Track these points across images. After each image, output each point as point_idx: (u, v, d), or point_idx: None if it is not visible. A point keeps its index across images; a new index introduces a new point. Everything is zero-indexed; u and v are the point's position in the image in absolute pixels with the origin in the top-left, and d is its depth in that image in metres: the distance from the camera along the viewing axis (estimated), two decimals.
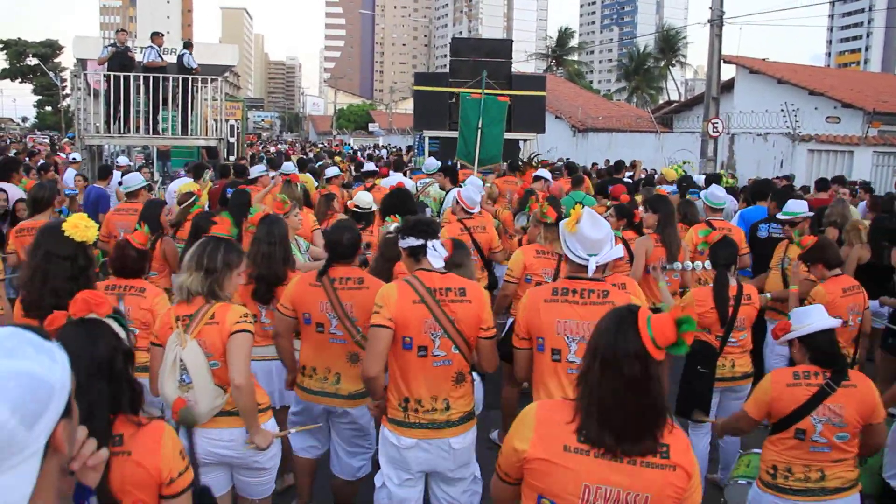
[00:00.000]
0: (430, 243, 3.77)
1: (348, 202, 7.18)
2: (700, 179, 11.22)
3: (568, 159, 18.92)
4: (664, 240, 6.09)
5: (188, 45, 15.64)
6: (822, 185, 12.00)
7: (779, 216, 6.88)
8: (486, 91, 13.30)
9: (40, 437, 1.27)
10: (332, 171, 11.28)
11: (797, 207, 6.55)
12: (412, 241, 3.78)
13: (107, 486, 2.12)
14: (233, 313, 3.53)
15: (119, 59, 14.35)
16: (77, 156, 13.91)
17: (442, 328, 3.67)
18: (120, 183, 9.18)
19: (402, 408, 3.71)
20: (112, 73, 14.24)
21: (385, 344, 3.63)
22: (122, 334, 2.36)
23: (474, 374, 3.98)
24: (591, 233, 3.51)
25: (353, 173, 14.33)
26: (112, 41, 14.86)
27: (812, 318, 3.62)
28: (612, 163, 16.87)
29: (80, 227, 3.68)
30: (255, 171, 10.16)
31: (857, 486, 3.62)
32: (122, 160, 14.91)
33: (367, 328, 3.79)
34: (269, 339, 4.61)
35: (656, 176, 13.76)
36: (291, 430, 4.29)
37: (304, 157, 22.57)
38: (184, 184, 9.13)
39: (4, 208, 7.49)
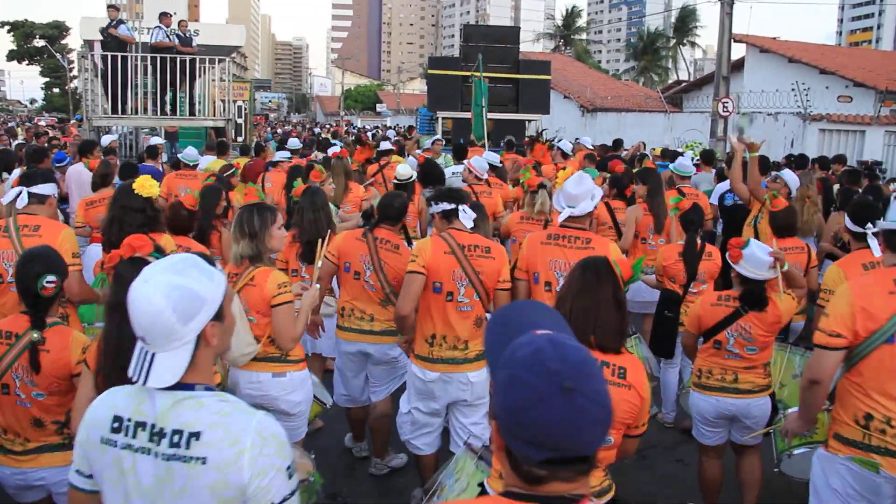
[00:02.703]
0: (461, 207, 4.50)
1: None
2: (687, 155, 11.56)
3: (577, 139, 19.01)
4: (652, 208, 6.74)
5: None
6: (823, 163, 12.63)
7: None
8: (478, 73, 14.51)
9: (192, 331, 1.88)
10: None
11: (791, 177, 7.53)
12: (445, 206, 4.50)
13: None
14: (271, 282, 3.97)
15: (114, 39, 14.33)
16: (111, 137, 13.91)
17: (468, 278, 4.34)
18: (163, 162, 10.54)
19: (428, 343, 4.39)
20: (105, 53, 14.20)
21: (418, 287, 4.29)
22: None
23: (488, 315, 4.48)
24: (571, 189, 4.39)
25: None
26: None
27: (757, 268, 4.24)
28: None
29: (146, 185, 4.49)
30: (280, 156, 10.61)
31: (767, 391, 4.37)
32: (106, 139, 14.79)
33: (397, 285, 4.64)
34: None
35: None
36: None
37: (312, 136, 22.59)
38: (212, 161, 9.90)
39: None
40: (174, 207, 5.22)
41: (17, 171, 9.31)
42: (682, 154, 11.23)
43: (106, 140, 12.30)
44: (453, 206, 4.50)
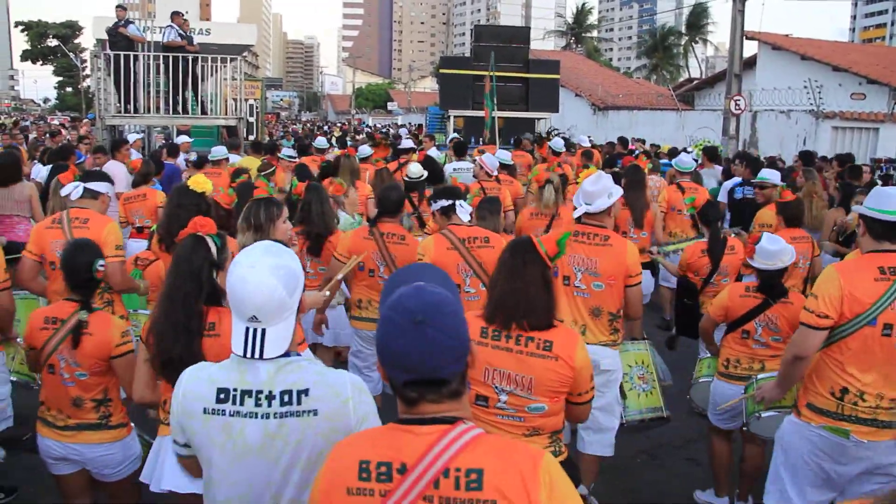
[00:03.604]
0: (458, 203, 4.79)
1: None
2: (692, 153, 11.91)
3: (590, 137, 19.14)
4: (629, 202, 6.94)
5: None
6: (842, 160, 12.33)
7: (753, 180, 8.21)
8: (494, 73, 15.08)
9: (295, 302, 2.22)
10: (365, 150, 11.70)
11: (768, 174, 7.66)
12: (443, 203, 4.82)
13: (203, 359, 2.70)
14: None
15: (124, 39, 14.40)
16: (135, 136, 14.05)
17: (472, 269, 4.68)
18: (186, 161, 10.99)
19: None
20: (114, 52, 14.25)
21: None
22: (214, 251, 3.06)
23: None
24: (588, 187, 4.54)
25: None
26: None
27: (768, 259, 4.51)
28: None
29: (200, 182, 4.90)
30: (284, 154, 10.83)
31: None
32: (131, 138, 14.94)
33: None
34: (311, 288, 5.13)
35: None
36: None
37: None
38: (245, 159, 10.49)
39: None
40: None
41: (40, 168, 9.49)
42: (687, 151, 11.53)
43: (131, 139, 12.48)
44: (451, 202, 4.83)
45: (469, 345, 1.80)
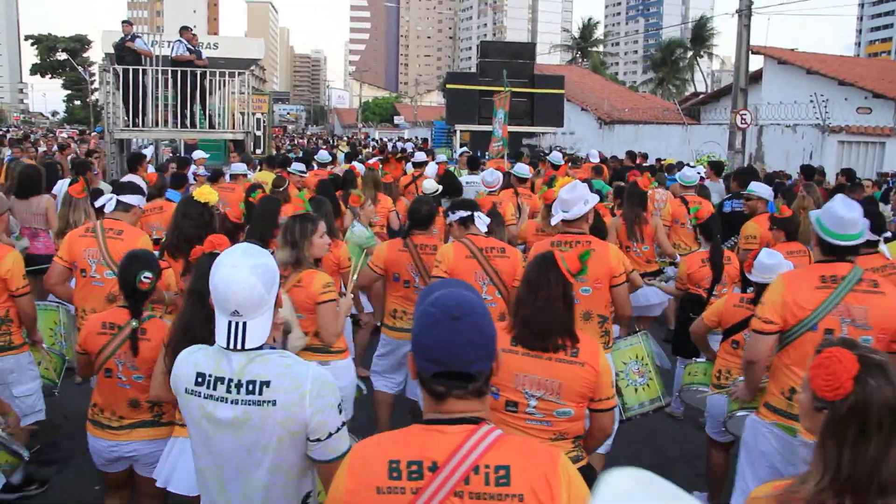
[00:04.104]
0: (476, 214, 5.06)
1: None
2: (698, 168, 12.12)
3: (601, 152, 19.26)
4: (624, 216, 7.37)
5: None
6: (850, 175, 12.47)
7: (742, 192, 8.23)
8: (502, 89, 15.21)
9: (272, 297, 2.42)
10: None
11: (755, 187, 7.68)
12: (462, 213, 5.09)
13: None
14: (317, 282, 4.40)
15: (131, 53, 14.52)
16: (150, 151, 14.19)
17: (489, 277, 4.89)
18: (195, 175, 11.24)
19: None
20: (122, 67, 14.34)
21: None
22: None
23: None
24: (565, 195, 4.78)
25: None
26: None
27: (765, 273, 4.46)
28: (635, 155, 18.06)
29: (204, 193, 5.08)
30: (296, 167, 10.95)
31: None
32: (147, 153, 15.07)
33: None
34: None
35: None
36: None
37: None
38: (261, 173, 10.78)
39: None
40: (220, 219, 5.63)
41: (62, 183, 9.64)
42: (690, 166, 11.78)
43: (147, 153, 12.71)
44: (469, 213, 5.08)
45: (496, 346, 1.93)
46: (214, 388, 2.39)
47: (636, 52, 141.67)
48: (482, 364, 1.87)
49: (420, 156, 12.38)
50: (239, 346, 2.38)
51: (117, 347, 3.71)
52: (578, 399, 3.16)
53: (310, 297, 4.36)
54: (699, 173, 9.83)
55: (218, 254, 3.17)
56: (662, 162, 16.67)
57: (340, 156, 17.53)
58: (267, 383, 2.35)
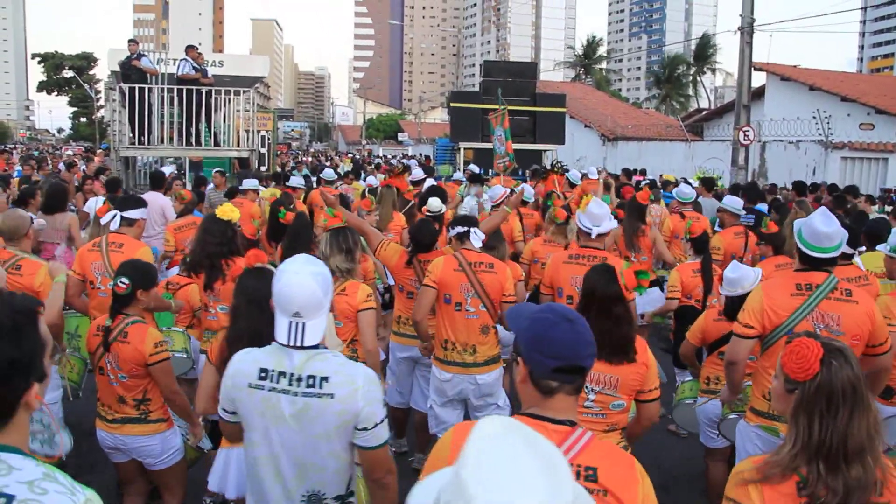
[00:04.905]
0: (472, 230, 5.26)
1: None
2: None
3: (599, 169, 19.42)
4: (623, 227, 7.52)
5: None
6: (854, 193, 12.74)
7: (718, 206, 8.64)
8: (497, 107, 15.32)
9: (328, 301, 2.75)
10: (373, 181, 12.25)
11: (727, 201, 8.17)
12: (459, 229, 5.29)
13: None
14: (361, 292, 4.67)
15: (137, 71, 14.66)
16: (170, 169, 14.30)
17: (473, 289, 5.07)
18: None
19: (444, 347, 5.15)
20: (128, 85, 14.49)
21: (429, 298, 5.09)
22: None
23: (499, 326, 5.25)
24: (595, 210, 5.24)
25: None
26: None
27: (729, 286, 4.80)
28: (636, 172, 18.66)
29: (227, 211, 5.25)
30: (295, 181, 11.28)
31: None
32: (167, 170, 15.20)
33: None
34: None
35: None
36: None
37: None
38: (267, 190, 11.06)
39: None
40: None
41: (95, 201, 9.87)
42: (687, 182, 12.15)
43: (167, 171, 12.82)
44: (466, 229, 5.30)
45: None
46: (277, 382, 2.68)
47: (639, 68, 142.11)
48: (591, 360, 2.12)
49: (418, 173, 12.50)
50: (298, 344, 2.67)
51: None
52: (631, 392, 3.53)
53: (351, 306, 4.63)
54: (695, 188, 10.32)
55: (260, 268, 3.69)
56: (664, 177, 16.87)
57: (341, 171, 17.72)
58: (326, 378, 2.65)
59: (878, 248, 5.16)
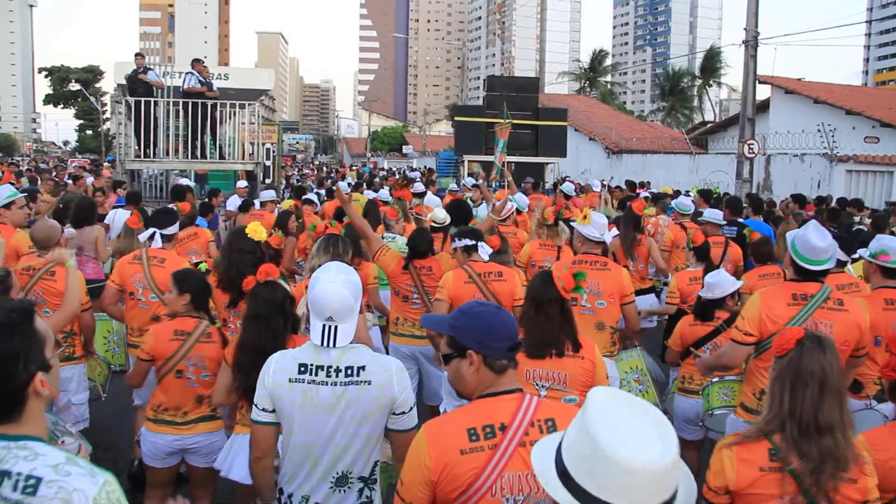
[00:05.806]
0: (479, 243, 5.50)
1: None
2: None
3: (602, 181, 19.40)
4: (620, 236, 7.83)
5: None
6: (859, 206, 12.90)
7: (736, 220, 9.17)
8: (502, 121, 15.43)
9: (358, 306, 3.03)
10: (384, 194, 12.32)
11: (708, 214, 8.74)
12: (467, 241, 5.48)
13: None
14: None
15: (143, 85, 14.73)
16: (185, 181, 14.40)
17: (487, 299, 5.17)
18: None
19: None
20: (135, 99, 14.53)
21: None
22: (288, 288, 4.00)
23: None
24: (600, 220, 5.74)
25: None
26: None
27: (707, 290, 5.40)
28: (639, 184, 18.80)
29: (257, 231, 5.26)
30: (311, 196, 11.74)
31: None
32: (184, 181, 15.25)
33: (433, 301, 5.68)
34: None
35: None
36: None
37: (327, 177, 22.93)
38: (286, 201, 11.45)
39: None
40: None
41: (115, 213, 9.96)
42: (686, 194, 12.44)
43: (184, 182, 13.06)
44: (473, 242, 5.49)
45: None
46: (316, 375, 2.96)
47: (644, 80, 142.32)
48: (517, 335, 2.50)
49: (419, 186, 12.68)
50: (331, 345, 2.97)
51: (188, 350, 4.26)
52: (582, 387, 3.74)
53: None
54: (693, 201, 10.73)
55: (272, 282, 3.94)
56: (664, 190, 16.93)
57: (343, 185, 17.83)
58: (363, 367, 2.97)
59: (859, 251, 5.33)
